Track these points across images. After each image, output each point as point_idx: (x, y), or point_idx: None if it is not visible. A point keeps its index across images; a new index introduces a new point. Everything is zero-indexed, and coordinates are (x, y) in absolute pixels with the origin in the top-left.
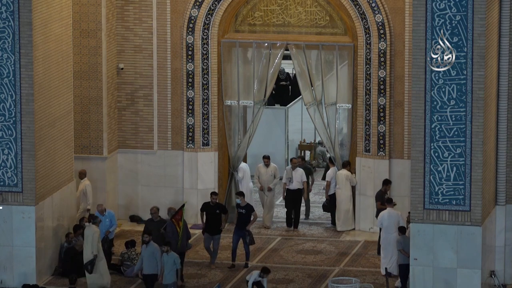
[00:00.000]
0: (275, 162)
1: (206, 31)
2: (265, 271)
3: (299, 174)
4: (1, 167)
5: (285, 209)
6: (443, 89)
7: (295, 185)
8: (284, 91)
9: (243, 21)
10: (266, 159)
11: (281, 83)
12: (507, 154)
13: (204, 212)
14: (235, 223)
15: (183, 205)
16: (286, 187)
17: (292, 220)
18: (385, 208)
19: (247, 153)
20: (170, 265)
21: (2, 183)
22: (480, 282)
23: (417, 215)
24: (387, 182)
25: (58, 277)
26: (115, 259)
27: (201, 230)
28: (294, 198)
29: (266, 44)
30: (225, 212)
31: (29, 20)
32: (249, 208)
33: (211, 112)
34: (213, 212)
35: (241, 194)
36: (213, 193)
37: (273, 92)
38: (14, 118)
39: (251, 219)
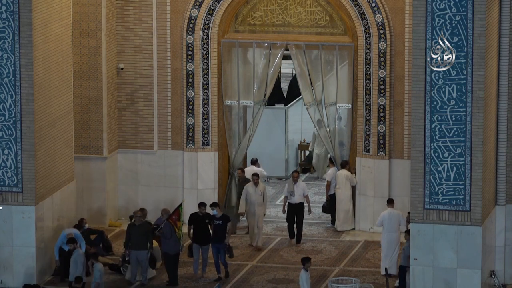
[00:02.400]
0: (275, 162)
1: (206, 31)
2: (306, 260)
3: (301, 188)
4: (1, 167)
5: (286, 223)
6: (443, 89)
7: (297, 198)
8: (277, 96)
9: (243, 21)
10: (256, 176)
11: None
12: (507, 154)
13: (192, 225)
14: (212, 235)
15: (181, 204)
16: (288, 201)
17: (295, 233)
18: None
19: (247, 153)
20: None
21: (2, 183)
22: (480, 282)
23: (417, 215)
24: None
25: (58, 277)
26: (116, 259)
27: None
28: (296, 212)
29: (266, 44)
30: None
31: (29, 20)
32: (225, 219)
33: (211, 112)
34: (202, 223)
35: (216, 205)
36: (201, 204)
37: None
38: (14, 118)
39: (227, 230)
